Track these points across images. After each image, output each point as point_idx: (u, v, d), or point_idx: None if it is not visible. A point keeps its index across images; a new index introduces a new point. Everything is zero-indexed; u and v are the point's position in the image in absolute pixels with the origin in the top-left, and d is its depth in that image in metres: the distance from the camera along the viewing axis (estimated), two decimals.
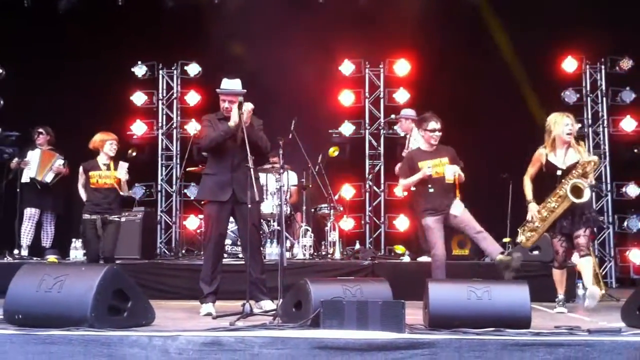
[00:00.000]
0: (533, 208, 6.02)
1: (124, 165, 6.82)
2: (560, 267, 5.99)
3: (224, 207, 5.69)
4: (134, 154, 8.90)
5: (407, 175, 6.29)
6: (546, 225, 5.98)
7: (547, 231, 6.06)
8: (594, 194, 7.96)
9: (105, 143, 6.75)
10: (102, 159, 6.78)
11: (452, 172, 6.07)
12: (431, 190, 6.16)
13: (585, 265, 5.87)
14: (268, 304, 5.62)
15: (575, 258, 6.38)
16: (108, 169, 6.74)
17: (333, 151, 9.02)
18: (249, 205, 5.28)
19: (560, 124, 5.92)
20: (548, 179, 6.01)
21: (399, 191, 8.79)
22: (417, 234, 7.83)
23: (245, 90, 5.72)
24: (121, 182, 6.75)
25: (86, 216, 6.70)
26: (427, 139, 6.29)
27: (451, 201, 6.08)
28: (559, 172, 5.91)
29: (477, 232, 6.13)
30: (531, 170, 6.10)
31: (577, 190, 5.79)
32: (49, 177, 8.26)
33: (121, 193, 6.75)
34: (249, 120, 5.58)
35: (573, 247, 5.97)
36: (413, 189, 6.38)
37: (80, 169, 6.85)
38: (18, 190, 8.24)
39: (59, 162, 8.31)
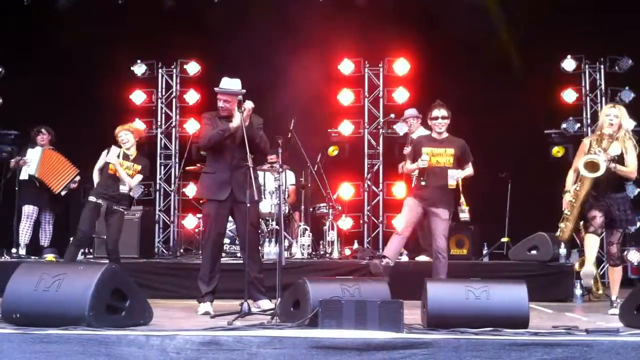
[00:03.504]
0: (566, 197, 5.86)
1: (115, 150, 6.65)
2: (596, 233, 5.72)
3: (222, 206, 5.68)
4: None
5: (412, 160, 6.37)
6: (575, 211, 5.78)
7: (579, 218, 5.79)
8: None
9: (117, 134, 6.76)
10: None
11: (453, 177, 6.13)
12: (423, 183, 6.25)
13: (617, 276, 5.85)
14: (266, 304, 5.62)
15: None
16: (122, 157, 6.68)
17: (332, 150, 9.01)
18: (248, 205, 5.28)
19: (603, 113, 5.78)
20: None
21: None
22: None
23: (244, 90, 5.66)
24: (118, 171, 6.56)
25: (92, 198, 6.60)
26: (432, 127, 6.37)
27: (442, 201, 6.15)
28: None
29: (438, 252, 6.13)
30: (575, 161, 5.89)
31: (592, 165, 5.56)
32: (64, 191, 8.23)
33: (121, 187, 6.60)
34: (248, 119, 5.57)
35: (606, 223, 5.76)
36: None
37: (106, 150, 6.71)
38: (17, 188, 8.22)
39: (77, 178, 8.28)
